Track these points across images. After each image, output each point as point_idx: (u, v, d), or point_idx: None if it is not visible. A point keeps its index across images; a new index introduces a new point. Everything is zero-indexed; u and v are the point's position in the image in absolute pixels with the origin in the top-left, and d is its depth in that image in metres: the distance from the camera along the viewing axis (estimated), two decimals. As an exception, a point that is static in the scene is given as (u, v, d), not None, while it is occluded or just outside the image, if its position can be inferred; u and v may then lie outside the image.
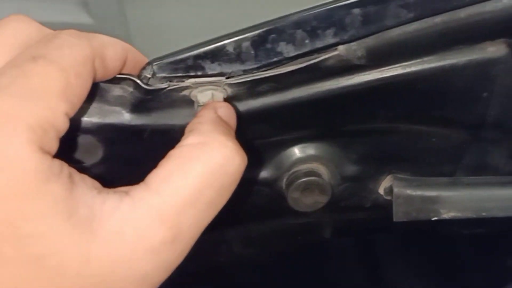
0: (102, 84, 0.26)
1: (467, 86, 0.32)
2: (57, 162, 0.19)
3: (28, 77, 0.20)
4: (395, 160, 0.37)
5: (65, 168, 0.20)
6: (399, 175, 0.37)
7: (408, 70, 0.30)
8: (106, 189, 0.21)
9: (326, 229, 0.44)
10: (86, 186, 0.20)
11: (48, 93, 0.20)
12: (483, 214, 0.37)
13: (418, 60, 0.30)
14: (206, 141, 0.22)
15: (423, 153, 0.36)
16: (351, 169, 0.36)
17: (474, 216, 0.37)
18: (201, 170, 0.21)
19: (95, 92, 0.27)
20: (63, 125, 0.20)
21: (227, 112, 0.26)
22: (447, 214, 0.37)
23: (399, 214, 0.37)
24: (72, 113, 0.21)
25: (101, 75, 0.24)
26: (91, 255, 0.18)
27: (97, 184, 0.21)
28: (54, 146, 0.20)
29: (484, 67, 0.31)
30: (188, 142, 0.22)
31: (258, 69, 0.27)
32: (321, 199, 0.35)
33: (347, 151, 0.35)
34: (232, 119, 0.26)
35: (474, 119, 0.34)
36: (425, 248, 0.50)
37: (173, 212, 0.20)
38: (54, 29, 0.24)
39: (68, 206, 0.19)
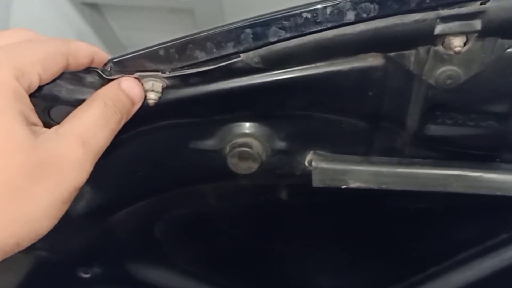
0: (80, 73, 0.39)
1: (354, 87, 0.42)
2: (27, 98, 0.33)
3: (22, 47, 0.34)
4: (316, 140, 0.47)
5: (30, 104, 0.33)
6: (318, 151, 0.47)
7: (304, 72, 0.40)
8: None
9: (279, 191, 0.55)
10: (38, 119, 0.34)
11: (31, 56, 0.34)
12: (383, 186, 0.46)
13: (312, 65, 0.40)
14: (94, 97, 0.37)
15: (337, 136, 0.47)
16: (280, 144, 0.47)
17: (375, 187, 0.47)
18: (88, 110, 0.36)
19: (76, 79, 0.39)
20: (35, 80, 0.34)
21: (128, 84, 0.38)
22: (353, 184, 0.47)
23: (316, 181, 0.47)
24: (44, 77, 0.35)
25: (75, 66, 0.37)
26: (36, 145, 0.31)
27: None
28: (26, 89, 0.33)
29: (365, 73, 0.41)
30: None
31: (181, 68, 0.39)
32: (253, 165, 0.46)
33: (275, 130, 0.46)
34: (133, 89, 0.38)
35: (368, 112, 0.44)
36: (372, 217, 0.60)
37: (79, 130, 0.34)
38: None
39: (27, 118, 0.32)
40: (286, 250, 0.64)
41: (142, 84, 0.39)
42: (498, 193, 0.45)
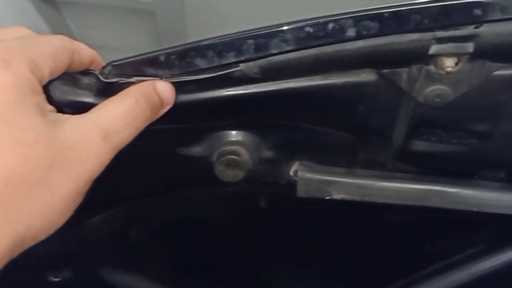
0: (76, 75, 0.39)
1: (346, 100, 0.43)
2: (41, 89, 0.33)
3: (33, 41, 0.33)
4: (302, 150, 0.48)
5: (44, 95, 0.33)
6: (304, 162, 0.48)
7: (299, 84, 0.41)
8: None
9: (259, 200, 0.55)
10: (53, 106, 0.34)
11: (42, 49, 0.33)
12: (366, 199, 0.48)
13: (307, 77, 0.41)
14: (126, 92, 0.36)
15: (324, 147, 0.47)
16: (267, 153, 0.47)
17: (359, 199, 0.48)
18: (118, 103, 0.35)
19: (72, 80, 0.39)
20: (46, 75, 0.33)
21: (163, 87, 0.38)
22: (337, 196, 0.48)
23: (301, 192, 0.48)
24: (53, 71, 0.34)
25: (77, 65, 0.37)
26: (55, 135, 0.31)
27: None
28: (39, 81, 0.32)
29: (358, 88, 0.42)
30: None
31: (181, 74, 0.39)
32: (240, 173, 0.47)
33: (263, 139, 0.47)
34: (166, 92, 0.38)
35: (356, 125, 0.45)
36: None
37: (104, 122, 0.34)
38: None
39: (43, 109, 0.32)
40: (265, 259, 0.64)
41: None
42: (474, 209, 0.47)
